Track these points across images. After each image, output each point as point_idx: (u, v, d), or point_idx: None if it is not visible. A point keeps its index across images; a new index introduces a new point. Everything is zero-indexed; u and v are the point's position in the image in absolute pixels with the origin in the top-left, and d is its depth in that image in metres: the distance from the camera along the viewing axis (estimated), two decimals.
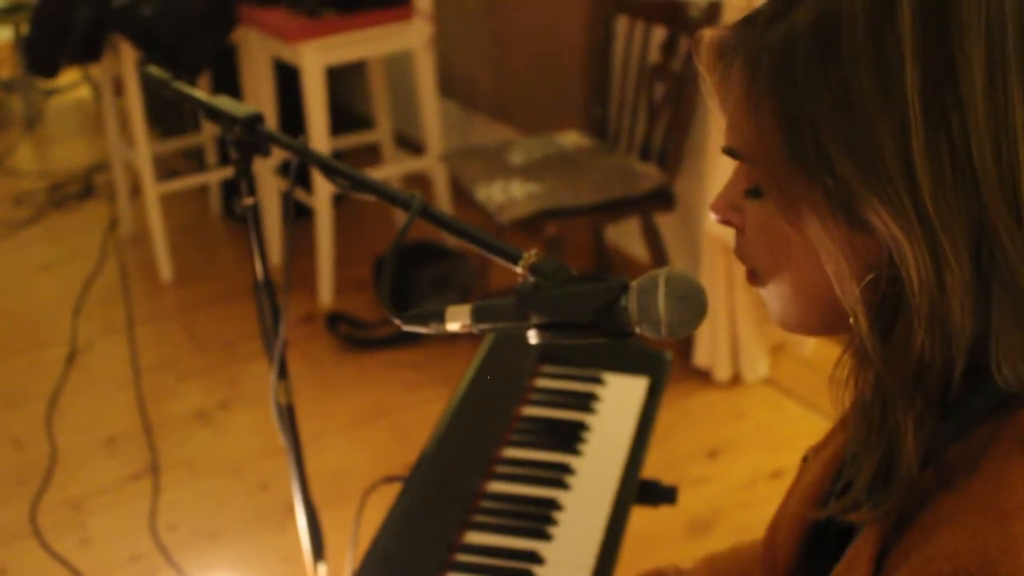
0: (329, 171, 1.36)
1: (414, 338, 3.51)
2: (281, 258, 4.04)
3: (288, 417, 1.72)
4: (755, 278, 0.91)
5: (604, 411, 1.75)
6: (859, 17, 0.78)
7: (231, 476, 3.01)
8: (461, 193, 3.85)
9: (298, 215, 4.05)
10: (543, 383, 1.81)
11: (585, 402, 1.76)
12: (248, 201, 1.57)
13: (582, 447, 1.67)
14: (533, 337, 1.02)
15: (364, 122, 4.39)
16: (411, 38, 3.68)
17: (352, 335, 3.58)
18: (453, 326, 1.05)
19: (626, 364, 1.86)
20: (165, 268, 4.00)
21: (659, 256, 3.32)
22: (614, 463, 1.65)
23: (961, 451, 0.83)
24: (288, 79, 3.80)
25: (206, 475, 3.03)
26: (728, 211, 0.90)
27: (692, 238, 3.38)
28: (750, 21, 0.85)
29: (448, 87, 4.26)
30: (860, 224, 0.79)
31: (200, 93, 1.54)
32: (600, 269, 3.64)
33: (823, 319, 0.88)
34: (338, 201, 4.15)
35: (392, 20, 3.61)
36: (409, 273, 3.65)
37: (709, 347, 3.25)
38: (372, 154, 4.31)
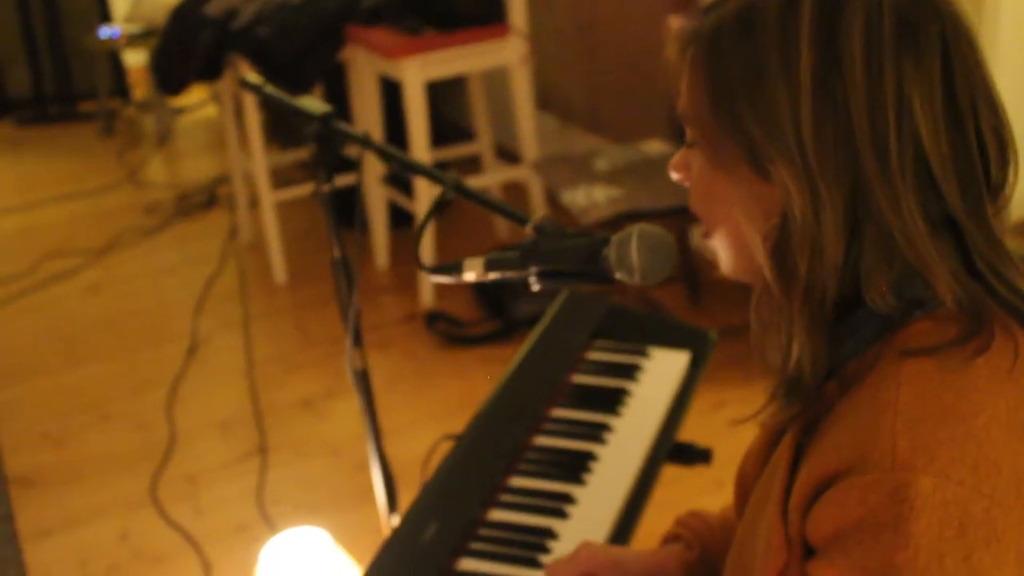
0: (385, 156, 1.58)
1: (506, 336, 3.73)
2: (387, 263, 4.30)
3: (362, 380, 1.94)
4: (706, 232, 1.11)
5: (647, 380, 1.94)
6: (770, 9, 0.98)
7: (332, 457, 3.26)
8: (555, 199, 4.07)
9: (403, 222, 4.31)
10: (594, 355, 2.00)
11: (630, 372, 1.95)
12: (324, 188, 1.80)
13: (623, 410, 1.86)
14: (535, 284, 1.22)
15: (466, 135, 4.63)
16: (507, 54, 3.91)
17: (449, 332, 3.81)
18: (469, 275, 1.26)
19: (672, 340, 2.04)
20: (279, 271, 4.29)
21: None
22: (650, 424, 1.84)
23: (857, 366, 1.01)
24: (394, 95, 4.06)
25: (309, 456, 3.29)
26: (681, 167, 1.10)
27: None
28: (701, 11, 1.06)
29: (545, 100, 4.48)
30: (764, 174, 0.99)
31: (283, 94, 1.78)
32: (684, 274, 3.81)
33: (752, 266, 1.07)
34: (440, 207, 4.39)
35: (488, 38, 3.85)
36: None
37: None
38: (473, 165, 4.56)
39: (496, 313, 3.84)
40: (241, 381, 3.65)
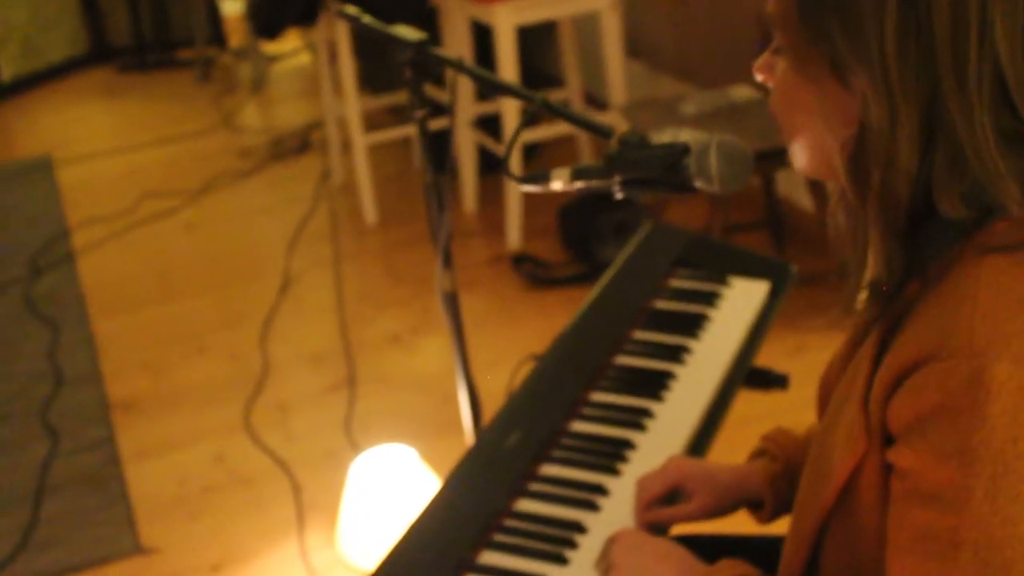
0: (476, 77, 1.64)
1: (591, 278, 3.79)
2: (476, 207, 4.38)
3: (451, 303, 2.02)
4: (785, 135, 1.16)
5: (726, 307, 1.99)
6: None
7: (418, 390, 3.36)
8: None
9: (491, 167, 4.38)
10: (675, 283, 2.06)
11: (710, 298, 2.00)
12: (419, 114, 1.87)
13: (702, 334, 1.92)
14: (618, 192, 1.28)
15: (555, 82, 4.67)
16: (597, 0, 3.95)
17: (535, 274, 3.87)
18: (556, 184, 1.32)
19: (752, 270, 2.09)
20: (370, 212, 4.38)
21: (823, 204, 3.49)
22: (728, 348, 1.89)
23: (938, 267, 1.06)
24: (485, 41, 4.11)
25: (396, 389, 3.38)
26: (765, 70, 1.15)
27: None
28: None
29: (635, 48, 4.51)
30: (845, 84, 1.03)
31: (379, 24, 1.85)
32: (770, 222, 3.83)
33: (829, 170, 1.12)
34: (528, 153, 4.46)
35: None
36: (592, 220, 3.92)
37: None
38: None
39: (581, 256, 3.90)
40: (331, 317, 3.76)
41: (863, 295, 1.12)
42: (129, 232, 4.52)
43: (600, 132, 1.35)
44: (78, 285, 4.12)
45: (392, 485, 2.21)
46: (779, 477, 1.49)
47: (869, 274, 1.10)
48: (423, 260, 4.06)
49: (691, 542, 1.64)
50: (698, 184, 1.23)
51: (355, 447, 3.09)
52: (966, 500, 0.99)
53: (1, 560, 2.84)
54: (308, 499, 2.95)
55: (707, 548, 1.65)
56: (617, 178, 1.28)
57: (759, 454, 1.56)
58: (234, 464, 3.12)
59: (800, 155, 1.14)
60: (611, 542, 1.36)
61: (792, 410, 2.85)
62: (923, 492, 1.01)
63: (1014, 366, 0.96)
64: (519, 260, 3.93)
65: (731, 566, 1.26)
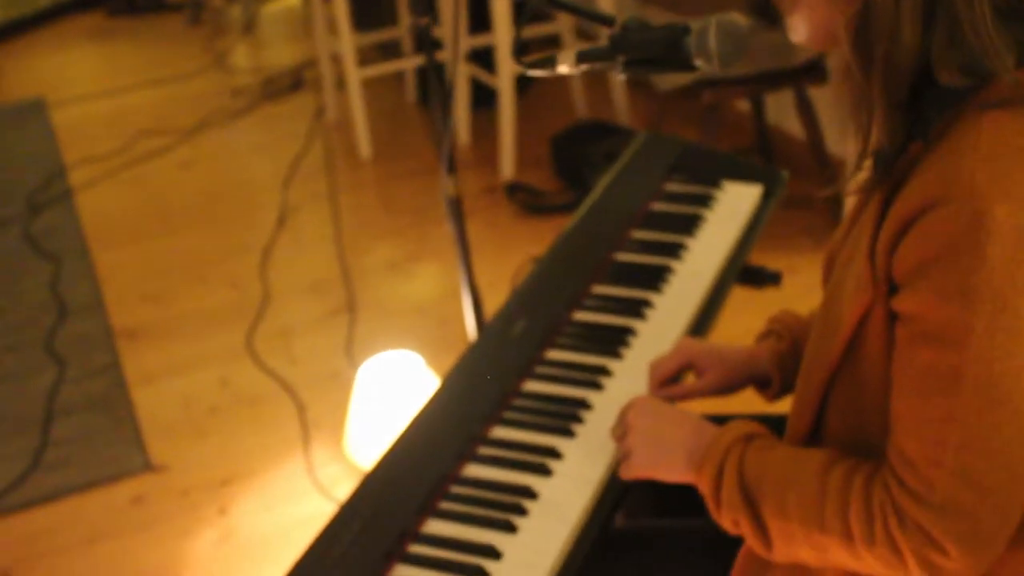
0: None
1: None
2: (469, 139, 4.43)
3: (455, 207, 2.08)
4: (785, 7, 1.22)
5: (720, 208, 2.05)
6: None
7: (417, 315, 3.43)
8: None
9: (484, 99, 4.43)
10: (671, 187, 2.12)
11: (704, 200, 2.06)
12: (423, 21, 1.92)
13: (697, 232, 1.98)
14: (621, 73, 1.34)
15: (545, 15, 4.71)
16: None
17: (529, 202, 3.93)
18: (562, 67, 1.38)
19: (745, 176, 2.15)
20: (365, 147, 4.43)
21: (813, 130, 3.56)
22: (722, 246, 1.96)
23: (940, 127, 1.13)
24: None
25: (395, 313, 3.45)
26: None
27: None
28: None
29: None
30: None
31: None
32: (760, 147, 3.89)
33: (830, 40, 1.18)
34: (521, 87, 4.51)
35: None
36: (584, 149, 3.98)
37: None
38: (553, 45, 4.65)
39: (573, 184, 3.96)
40: (329, 247, 3.82)
41: (865, 165, 1.19)
42: (125, 170, 4.56)
43: (603, 20, 1.41)
44: (77, 221, 4.17)
45: (398, 388, 2.28)
46: (786, 355, 1.57)
47: (868, 142, 1.17)
48: (418, 192, 4.13)
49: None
50: (698, 63, 1.29)
51: (356, 368, 3.16)
52: (967, 337, 1.06)
53: (13, 479, 2.91)
54: (312, 418, 3.02)
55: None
56: (620, 59, 1.33)
57: (766, 335, 1.63)
58: (238, 386, 3.19)
59: (800, 28, 1.20)
60: (627, 407, 1.43)
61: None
62: (927, 333, 1.09)
63: (1012, 206, 1.04)
64: (512, 189, 3.99)
65: (738, 426, 1.33)
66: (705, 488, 1.30)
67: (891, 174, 1.16)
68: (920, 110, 1.13)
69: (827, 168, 3.57)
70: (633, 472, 1.39)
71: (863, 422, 1.23)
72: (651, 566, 1.52)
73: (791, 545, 1.24)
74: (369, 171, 4.40)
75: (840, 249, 1.33)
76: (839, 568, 1.25)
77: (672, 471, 1.36)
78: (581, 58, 1.37)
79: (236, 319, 3.48)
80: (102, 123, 5.10)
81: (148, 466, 2.92)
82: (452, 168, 2.03)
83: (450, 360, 3.05)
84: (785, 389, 1.58)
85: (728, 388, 1.61)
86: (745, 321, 2.38)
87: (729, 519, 1.28)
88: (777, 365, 1.57)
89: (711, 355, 1.60)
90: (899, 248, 1.11)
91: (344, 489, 2.75)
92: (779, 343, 1.58)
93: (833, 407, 1.26)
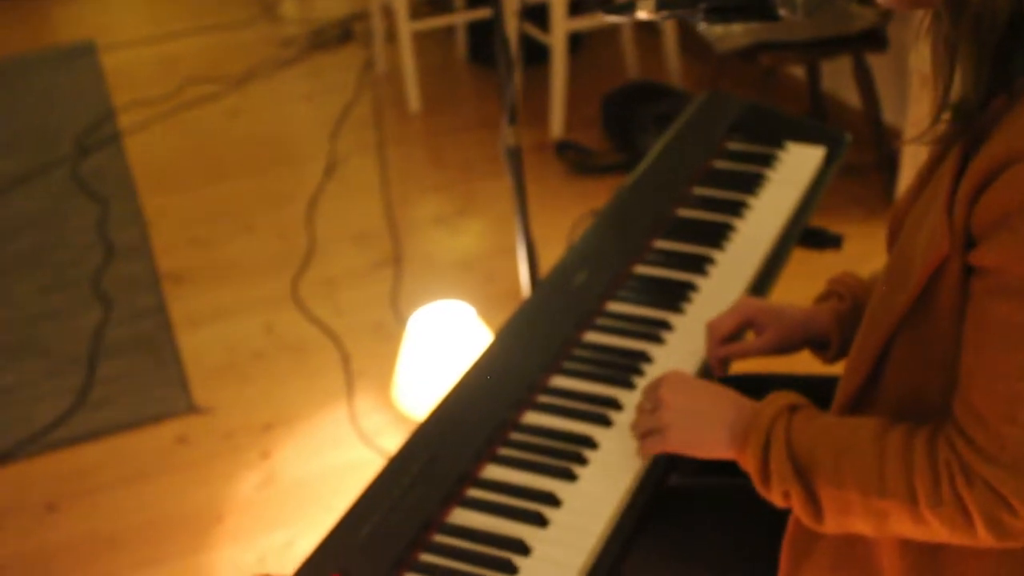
0: None
1: (633, 167, 3.82)
2: (520, 96, 4.40)
3: (514, 158, 2.07)
4: None
5: (782, 169, 2.03)
6: None
7: (462, 269, 3.42)
8: (690, 28, 4.14)
9: (535, 57, 4.40)
10: (733, 145, 2.10)
11: (766, 160, 2.04)
12: None
13: (759, 191, 1.96)
14: (701, 21, 1.32)
15: None
16: None
17: (578, 161, 3.91)
18: (641, 13, 1.36)
19: (808, 137, 2.12)
20: (414, 100, 4.42)
21: (870, 99, 3.51)
22: (784, 207, 1.94)
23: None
24: None
25: (441, 267, 3.44)
26: None
27: (903, 81, 3.57)
28: None
29: None
30: None
31: None
32: (814, 114, 3.85)
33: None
34: (573, 45, 4.48)
35: None
36: (634, 110, 3.95)
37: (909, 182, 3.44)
38: None
39: (623, 146, 3.94)
40: (376, 198, 3.81)
41: (944, 117, 1.17)
42: (173, 115, 4.56)
43: None
44: (125, 164, 4.18)
45: (449, 339, 2.28)
46: (846, 316, 1.55)
47: (952, 92, 1.14)
48: (466, 147, 4.11)
49: (749, 381, 1.71)
50: (782, 12, 1.27)
51: (401, 320, 3.16)
52: None
53: (59, 416, 2.93)
54: (356, 367, 3.02)
55: (763, 387, 1.71)
56: (702, 6, 1.31)
57: (826, 296, 1.61)
58: (283, 333, 3.20)
59: None
60: (658, 383, 1.40)
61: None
62: (1006, 286, 1.06)
63: None
64: (562, 147, 3.97)
65: (779, 397, 1.31)
66: (750, 462, 1.28)
67: (972, 128, 1.13)
68: (1007, 63, 1.11)
69: (883, 138, 3.53)
70: (667, 448, 1.37)
71: (924, 380, 1.21)
72: (696, 523, 1.51)
73: (846, 515, 1.21)
74: (417, 125, 4.39)
75: (909, 208, 1.30)
76: (896, 536, 1.24)
77: (712, 447, 1.34)
78: (661, 4, 1.34)
79: (282, 267, 3.49)
80: (151, 68, 5.10)
81: (192, 408, 2.93)
82: (514, 118, 2.02)
83: (498, 315, 3.06)
84: (843, 351, 1.56)
85: (786, 348, 1.59)
86: (800, 284, 2.36)
87: (779, 492, 1.25)
88: (837, 326, 1.55)
89: (771, 314, 1.58)
90: (980, 201, 1.08)
91: (387, 438, 2.76)
92: (840, 303, 1.57)
93: (893, 364, 1.24)
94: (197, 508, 2.64)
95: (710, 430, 1.33)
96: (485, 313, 2.92)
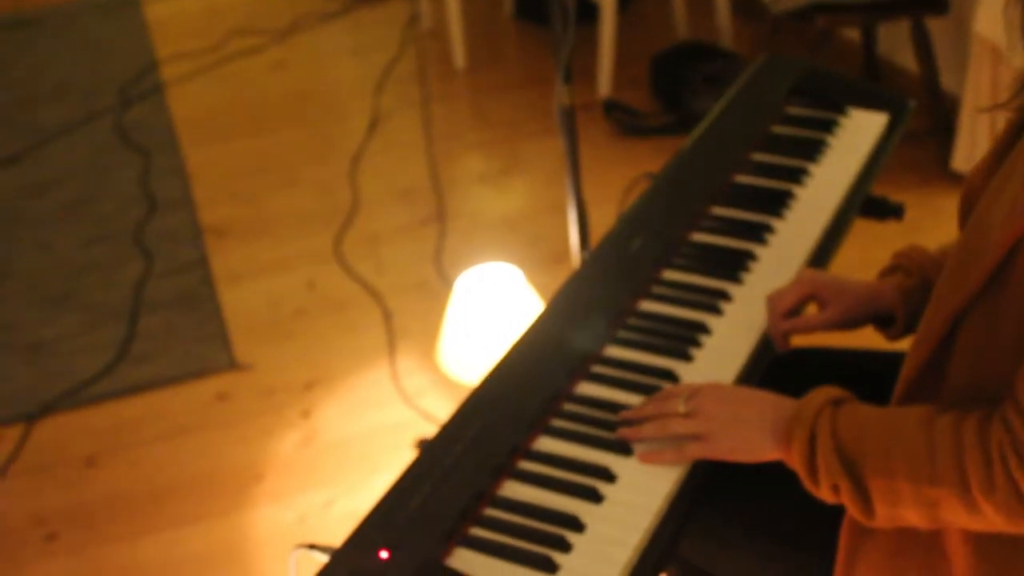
0: None
1: (681, 129, 3.76)
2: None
3: (568, 118, 2.01)
4: None
5: (844, 135, 1.97)
6: None
7: (507, 229, 3.37)
8: None
9: (584, 15, 4.32)
10: (793, 110, 2.04)
11: (828, 126, 1.98)
12: None
13: (820, 158, 1.90)
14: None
15: None
16: None
17: (625, 122, 3.85)
18: None
19: (870, 103, 2.06)
20: (459, 56, 4.36)
21: (928, 63, 3.42)
22: (846, 175, 1.88)
23: None
24: None
25: (485, 226, 3.40)
26: None
27: (962, 46, 3.48)
28: None
29: None
30: None
31: None
32: (869, 78, 3.77)
33: None
34: (623, 3, 4.40)
35: None
36: (684, 71, 3.88)
37: (968, 151, 3.36)
38: None
39: (671, 107, 3.87)
40: (420, 155, 3.76)
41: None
42: (217, 67, 4.52)
43: None
44: (168, 116, 4.15)
45: (496, 301, 2.24)
46: (913, 292, 1.49)
47: None
48: (512, 105, 4.06)
49: (811, 354, 1.66)
50: None
51: (444, 279, 3.12)
52: None
53: (101, 369, 2.92)
54: (399, 326, 2.99)
55: (825, 362, 1.67)
56: None
57: (892, 270, 1.56)
58: (325, 290, 3.17)
59: None
60: (695, 393, 1.35)
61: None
62: None
63: None
64: (610, 107, 3.90)
65: (821, 392, 1.27)
66: (797, 459, 1.24)
67: None
68: None
69: (940, 104, 3.45)
70: (711, 455, 1.32)
71: (992, 366, 1.15)
72: (757, 495, 1.47)
73: (896, 506, 1.17)
74: (462, 82, 4.33)
75: (984, 181, 1.25)
76: (950, 527, 1.19)
77: (756, 450, 1.30)
78: None
79: (324, 223, 3.45)
80: (195, 20, 5.05)
81: (233, 364, 2.91)
82: (569, 77, 1.96)
83: (542, 276, 3.02)
84: (908, 328, 1.51)
85: (850, 323, 1.54)
86: (857, 253, 2.31)
87: (827, 486, 1.21)
88: (903, 302, 1.50)
89: (834, 288, 1.53)
90: None
91: (429, 399, 2.73)
92: (907, 279, 1.51)
93: (960, 346, 1.18)
94: (237, 466, 2.62)
95: (753, 433, 1.29)
96: (531, 274, 2.88)
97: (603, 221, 2.61)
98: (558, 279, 2.91)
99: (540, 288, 2.68)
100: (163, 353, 2.98)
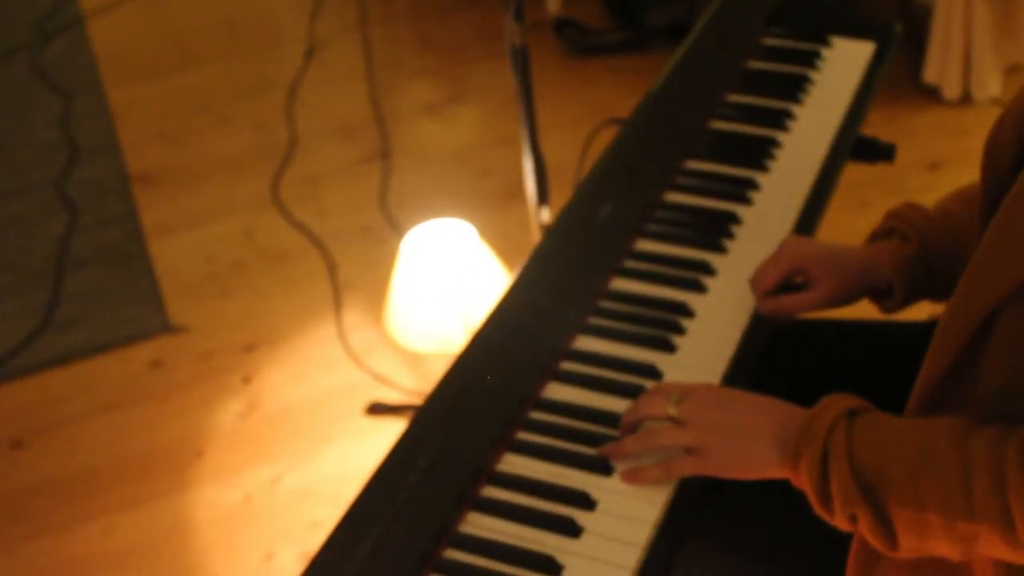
0: None
1: (638, 46, 3.54)
2: None
3: (520, 59, 1.80)
4: None
5: (828, 69, 1.77)
6: None
7: (456, 163, 3.16)
8: None
9: None
10: (771, 41, 1.83)
11: (810, 59, 1.78)
12: None
13: (804, 97, 1.71)
14: None
15: None
16: None
17: (578, 41, 3.62)
18: None
19: (853, 31, 1.86)
20: None
21: None
22: (834, 115, 1.68)
23: None
24: None
25: (433, 161, 3.18)
26: None
27: None
28: None
29: None
30: None
31: None
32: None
33: None
34: None
35: None
36: None
37: (940, 63, 3.17)
38: None
39: (627, 22, 3.64)
40: (360, 85, 3.52)
41: None
42: None
43: None
44: (90, 52, 3.86)
45: (447, 261, 2.03)
46: (913, 259, 1.31)
47: None
48: (457, 26, 3.81)
49: (813, 327, 1.48)
50: None
51: (392, 223, 2.92)
52: None
53: (23, 338, 2.70)
54: (344, 277, 2.79)
55: (829, 335, 1.48)
56: None
57: (886, 233, 1.37)
58: (264, 240, 2.95)
59: None
60: (685, 395, 1.15)
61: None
62: None
63: None
64: (560, 26, 3.67)
65: (834, 401, 1.07)
66: (806, 481, 1.05)
67: None
68: None
69: (909, 11, 3.24)
70: (703, 471, 1.13)
71: None
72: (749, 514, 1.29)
73: (924, 539, 1.00)
74: (402, 3, 4.07)
75: (1011, 138, 1.05)
76: (988, 559, 1.01)
77: (758, 466, 1.10)
78: None
79: (261, 164, 3.22)
80: None
81: (167, 327, 2.70)
82: (520, 15, 1.75)
83: (496, 220, 2.81)
84: (908, 299, 1.33)
85: (844, 299, 1.35)
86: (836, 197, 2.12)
87: (844, 515, 1.03)
88: (901, 271, 1.31)
89: (824, 259, 1.34)
90: None
91: (379, 358, 2.54)
92: (905, 245, 1.32)
93: (997, 338, 0.99)
94: (175, 441, 2.43)
95: (753, 446, 1.10)
96: (484, 218, 2.68)
97: (558, 153, 2.41)
98: (513, 224, 2.72)
99: (495, 236, 2.48)
100: (91, 317, 2.75)
